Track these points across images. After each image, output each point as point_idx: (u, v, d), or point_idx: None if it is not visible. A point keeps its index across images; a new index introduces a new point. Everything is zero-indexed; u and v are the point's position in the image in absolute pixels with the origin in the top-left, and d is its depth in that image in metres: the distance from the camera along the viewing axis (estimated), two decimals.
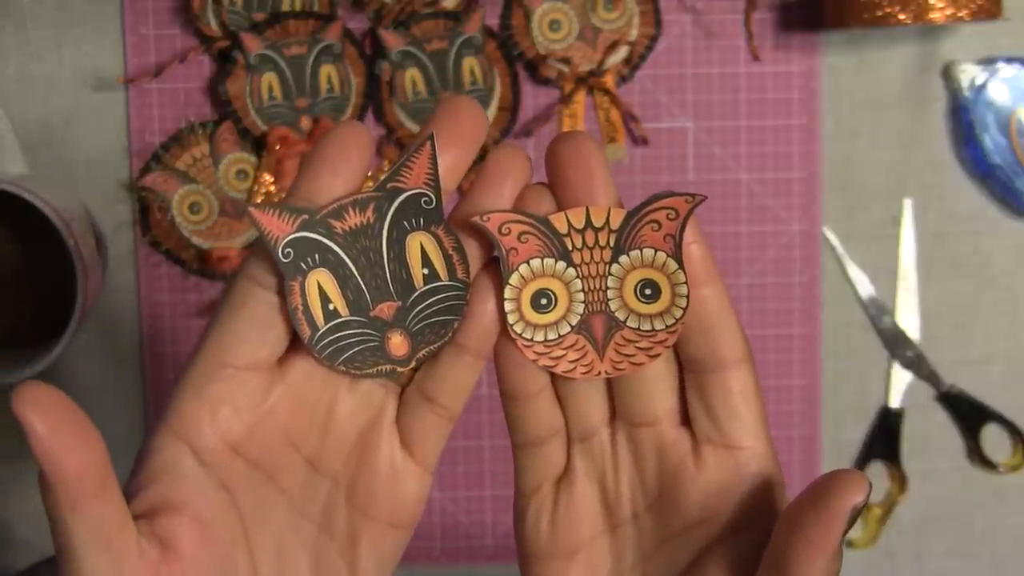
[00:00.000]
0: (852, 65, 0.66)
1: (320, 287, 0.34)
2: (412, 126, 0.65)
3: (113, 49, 0.66)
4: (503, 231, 0.35)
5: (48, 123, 0.66)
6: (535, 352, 0.36)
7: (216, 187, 0.65)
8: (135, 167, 0.66)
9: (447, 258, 0.35)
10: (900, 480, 0.68)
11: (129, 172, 0.66)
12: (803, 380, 0.67)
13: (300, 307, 0.34)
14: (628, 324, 0.36)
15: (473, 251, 0.36)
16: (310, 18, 0.64)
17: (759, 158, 0.66)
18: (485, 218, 0.35)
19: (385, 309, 0.35)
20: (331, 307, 0.34)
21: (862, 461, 0.68)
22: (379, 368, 0.35)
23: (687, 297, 0.35)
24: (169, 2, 0.65)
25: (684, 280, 0.35)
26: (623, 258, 0.35)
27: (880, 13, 0.60)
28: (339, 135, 0.34)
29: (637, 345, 0.36)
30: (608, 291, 0.36)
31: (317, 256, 0.34)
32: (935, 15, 0.60)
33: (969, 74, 0.66)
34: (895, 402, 0.68)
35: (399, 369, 0.35)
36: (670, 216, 0.35)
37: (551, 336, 0.36)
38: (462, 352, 0.36)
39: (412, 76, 0.65)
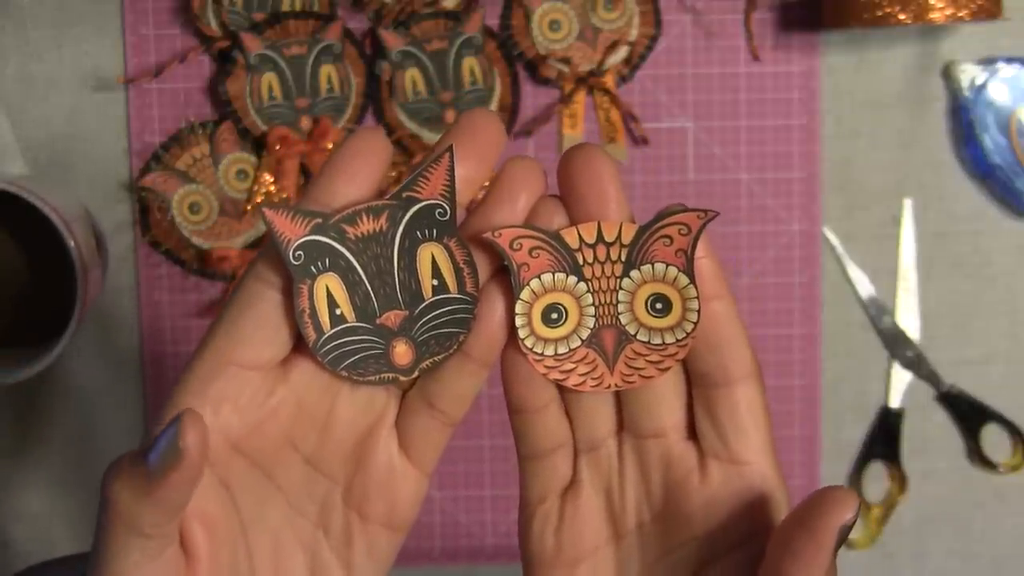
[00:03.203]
0: (852, 65, 0.66)
1: (328, 291, 0.34)
2: (412, 126, 0.65)
3: (113, 49, 0.66)
4: (514, 246, 0.35)
5: (48, 123, 0.66)
6: (545, 366, 0.36)
7: (216, 187, 0.65)
8: (135, 167, 0.66)
9: (457, 271, 0.35)
10: (900, 480, 0.68)
11: (129, 172, 0.66)
12: (803, 380, 0.67)
13: (307, 310, 0.34)
14: (638, 338, 0.36)
15: (484, 263, 0.35)
16: (310, 18, 0.64)
17: (759, 158, 0.66)
18: (496, 234, 0.34)
19: (392, 317, 0.35)
20: (338, 312, 0.34)
21: (862, 461, 0.68)
22: (381, 376, 0.35)
23: (698, 312, 0.35)
24: (169, 2, 0.65)
25: (695, 295, 0.35)
26: (634, 272, 0.35)
27: (880, 13, 0.60)
28: (357, 141, 0.34)
29: (647, 359, 0.36)
30: (619, 305, 0.36)
31: (327, 260, 0.34)
32: (935, 15, 0.60)
33: (969, 74, 0.66)
34: (895, 402, 0.68)
35: (401, 378, 0.35)
36: (682, 232, 0.35)
37: (561, 350, 0.36)
38: (467, 360, 0.35)
39: (412, 76, 0.65)
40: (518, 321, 0.35)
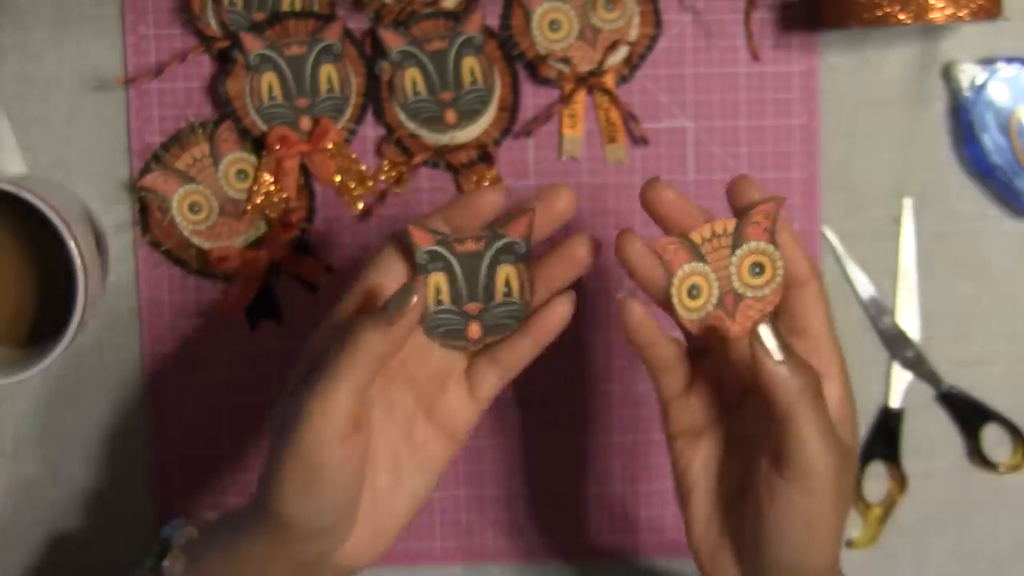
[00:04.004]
0: (852, 65, 0.66)
1: (437, 284, 0.52)
2: (412, 126, 0.65)
3: (113, 49, 0.66)
4: (664, 248, 0.51)
5: (48, 123, 0.66)
6: (697, 328, 0.52)
7: (216, 187, 0.65)
8: (135, 167, 0.66)
9: (521, 286, 0.52)
10: (900, 480, 0.68)
11: (129, 172, 0.66)
12: None
13: (422, 294, 0.49)
14: (747, 295, 0.52)
15: (551, 284, 0.53)
16: (310, 18, 0.64)
17: (759, 158, 0.66)
18: (655, 242, 0.51)
19: (473, 307, 0.52)
20: (439, 298, 0.52)
21: (862, 461, 0.68)
22: (456, 343, 0.53)
23: (783, 268, 0.51)
24: (169, 2, 0.65)
25: (779, 257, 0.51)
26: (739, 251, 0.52)
27: (880, 13, 0.60)
28: (486, 193, 0.52)
29: (754, 308, 0.52)
30: (732, 276, 0.52)
31: (441, 263, 0.51)
32: (935, 15, 0.60)
33: (969, 74, 0.66)
34: (895, 402, 0.68)
35: (469, 348, 0.53)
36: (766, 216, 0.51)
37: (703, 315, 0.52)
38: (526, 335, 0.53)
39: (412, 76, 0.65)
40: (674, 302, 0.51)
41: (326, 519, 0.49)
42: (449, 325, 0.52)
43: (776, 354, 0.48)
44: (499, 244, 0.52)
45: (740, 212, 0.51)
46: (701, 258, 0.51)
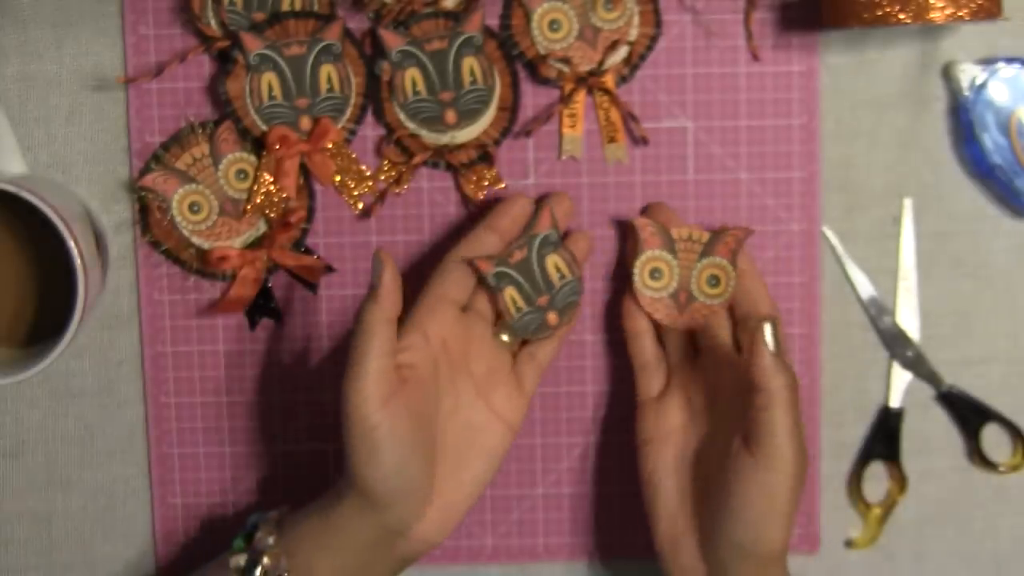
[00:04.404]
0: (852, 65, 0.66)
1: (511, 296, 0.62)
2: (412, 126, 0.65)
3: (113, 49, 0.66)
4: (643, 229, 0.63)
5: (48, 123, 0.66)
6: (645, 303, 0.64)
7: (216, 187, 0.65)
8: (135, 167, 0.66)
9: (569, 266, 0.64)
10: (900, 480, 0.68)
11: (129, 172, 0.66)
12: (803, 380, 0.67)
13: (504, 306, 0.63)
14: (700, 299, 0.63)
15: (580, 257, 0.64)
16: (310, 18, 0.64)
17: (759, 158, 0.66)
18: (636, 221, 0.63)
19: (543, 300, 0.63)
20: (517, 306, 0.63)
21: (862, 461, 0.68)
22: (543, 335, 0.64)
23: (731, 287, 0.62)
24: (169, 2, 0.65)
25: (734, 277, 0.62)
26: (704, 259, 0.63)
27: (880, 13, 0.60)
28: (518, 201, 0.64)
29: (702, 312, 0.63)
30: (692, 278, 0.63)
31: (507, 279, 0.62)
32: (935, 15, 0.60)
33: (969, 74, 0.66)
34: (895, 402, 0.68)
35: (553, 335, 0.64)
36: (735, 239, 0.62)
37: (656, 296, 0.63)
38: (553, 339, 0.65)
39: (412, 76, 0.65)
40: (635, 273, 0.63)
41: (394, 483, 0.57)
42: (534, 323, 0.63)
43: (771, 348, 0.57)
44: (538, 242, 0.63)
45: (715, 230, 0.63)
46: (672, 251, 0.63)
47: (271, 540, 0.60)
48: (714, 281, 0.62)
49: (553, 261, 0.63)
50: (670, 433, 0.63)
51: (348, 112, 0.65)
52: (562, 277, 0.63)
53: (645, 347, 0.64)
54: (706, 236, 0.62)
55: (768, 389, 0.57)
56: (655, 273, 0.63)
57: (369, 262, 0.66)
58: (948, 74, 0.66)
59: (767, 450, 0.57)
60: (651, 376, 0.64)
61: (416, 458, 0.58)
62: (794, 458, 0.57)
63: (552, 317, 0.63)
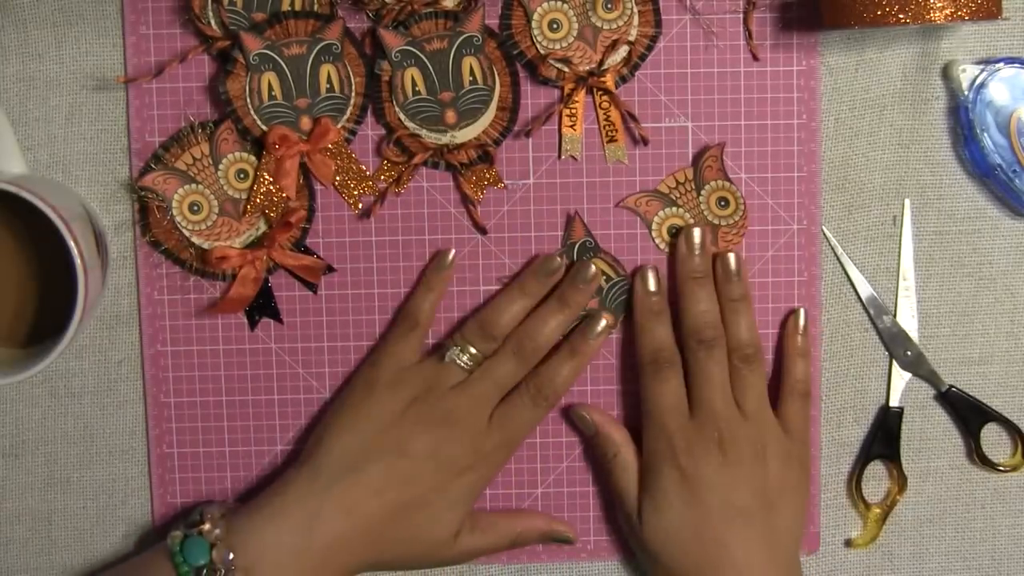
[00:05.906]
0: (851, 64, 0.66)
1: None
2: (412, 126, 0.65)
3: (113, 49, 0.66)
4: (640, 204, 0.66)
5: (48, 123, 0.66)
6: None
7: (216, 187, 0.65)
8: (135, 167, 0.66)
9: (610, 265, 0.66)
10: (900, 480, 0.68)
11: (129, 172, 0.66)
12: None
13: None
14: (721, 224, 0.66)
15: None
16: (310, 18, 0.64)
17: (759, 158, 0.66)
18: (627, 201, 0.66)
19: (592, 303, 0.66)
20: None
21: (862, 461, 0.68)
22: (605, 335, 0.66)
23: (744, 200, 0.66)
24: (169, 2, 0.65)
25: (737, 189, 0.66)
26: (703, 190, 0.66)
27: (880, 13, 0.60)
28: (552, 261, 0.66)
29: (730, 233, 0.66)
30: (703, 212, 0.66)
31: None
32: (935, 15, 0.60)
33: (969, 74, 0.66)
34: (895, 402, 0.68)
35: (611, 328, 0.67)
36: (714, 159, 0.65)
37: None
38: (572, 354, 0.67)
39: (412, 76, 0.65)
40: (655, 238, 0.66)
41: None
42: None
43: (801, 331, 0.66)
44: (576, 249, 0.66)
45: (694, 161, 0.65)
46: (673, 203, 0.66)
47: (220, 532, 0.61)
48: (723, 203, 0.65)
49: (600, 267, 0.66)
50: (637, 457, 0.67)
51: (348, 112, 0.65)
52: (608, 279, 0.66)
53: (616, 434, 0.67)
54: (690, 172, 0.65)
55: (793, 372, 0.66)
56: (672, 230, 0.66)
57: (369, 262, 0.67)
58: (948, 74, 0.66)
59: (785, 428, 0.66)
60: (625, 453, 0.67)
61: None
62: (804, 435, 0.66)
63: (608, 318, 0.66)
